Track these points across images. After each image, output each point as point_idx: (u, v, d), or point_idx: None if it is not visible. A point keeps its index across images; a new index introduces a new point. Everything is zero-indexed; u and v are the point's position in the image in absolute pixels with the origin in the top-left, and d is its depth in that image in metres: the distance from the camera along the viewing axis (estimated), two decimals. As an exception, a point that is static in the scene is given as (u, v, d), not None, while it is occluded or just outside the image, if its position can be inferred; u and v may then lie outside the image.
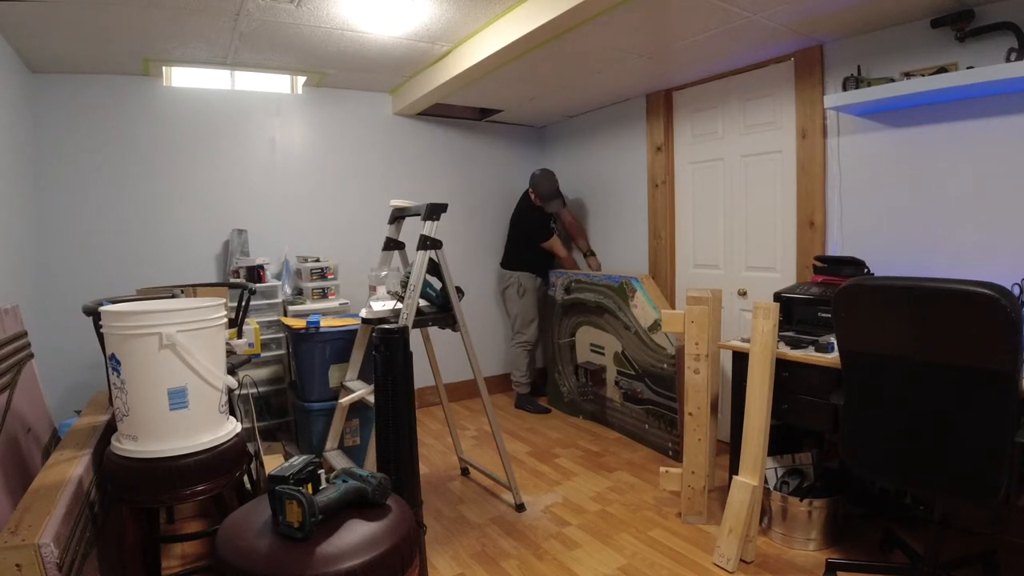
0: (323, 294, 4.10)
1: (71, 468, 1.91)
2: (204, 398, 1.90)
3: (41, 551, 1.43)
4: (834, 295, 2.09)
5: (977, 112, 2.67)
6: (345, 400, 2.99)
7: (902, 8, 2.71)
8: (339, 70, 3.97)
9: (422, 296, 2.93)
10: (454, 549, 2.75)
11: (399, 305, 2.88)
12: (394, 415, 2.01)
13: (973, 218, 2.72)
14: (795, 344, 2.58)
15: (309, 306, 3.95)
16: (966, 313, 1.80)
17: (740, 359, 2.74)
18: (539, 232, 4.78)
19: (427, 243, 2.79)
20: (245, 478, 2.51)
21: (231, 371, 2.41)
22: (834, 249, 3.24)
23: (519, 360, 4.95)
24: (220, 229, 4.07)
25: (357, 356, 3.11)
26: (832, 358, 2.37)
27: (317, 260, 4.14)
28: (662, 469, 3.01)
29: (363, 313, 3.00)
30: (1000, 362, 1.77)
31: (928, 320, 1.88)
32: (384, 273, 3.07)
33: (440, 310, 3.00)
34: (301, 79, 4.27)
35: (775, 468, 2.79)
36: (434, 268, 2.95)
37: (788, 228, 3.47)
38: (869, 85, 2.85)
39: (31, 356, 2.54)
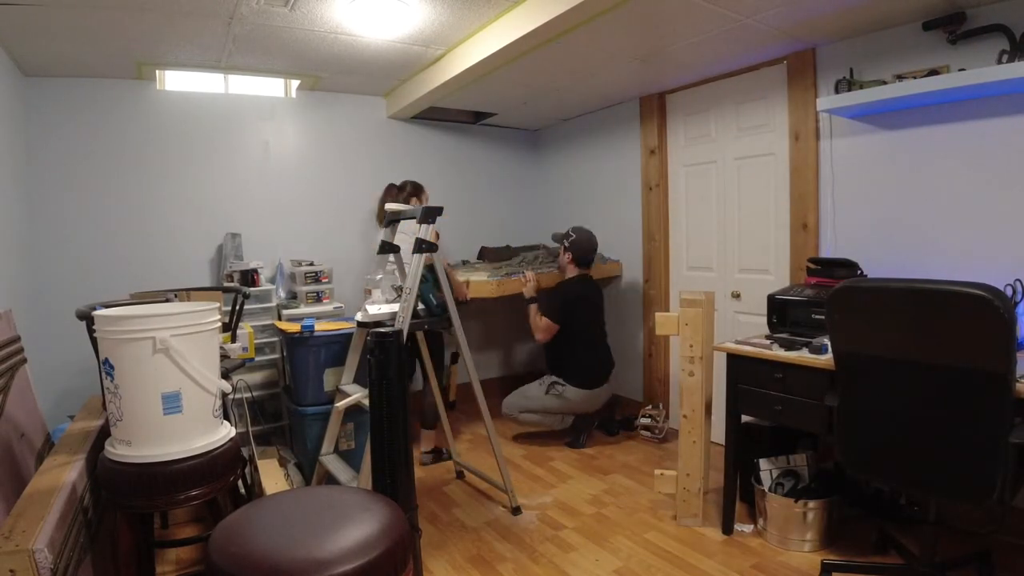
0: (317, 298, 4.09)
1: (65, 473, 1.90)
2: (198, 402, 1.90)
3: (35, 556, 1.42)
4: (828, 297, 2.10)
5: (969, 114, 2.69)
6: (340, 404, 2.99)
7: (894, 11, 2.73)
8: (333, 73, 3.97)
9: (420, 301, 2.93)
10: (449, 553, 2.75)
11: (395, 308, 2.88)
12: (389, 418, 2.01)
13: (966, 219, 2.74)
14: (789, 346, 2.59)
15: (303, 310, 3.94)
16: (959, 314, 1.81)
17: (734, 361, 2.75)
18: None
19: (422, 246, 2.79)
20: (239, 483, 2.51)
21: (225, 375, 2.41)
22: (827, 251, 3.25)
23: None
24: (214, 233, 4.06)
25: (352, 360, 3.11)
26: (826, 360, 2.38)
27: (311, 264, 4.13)
28: (657, 471, 3.01)
29: (358, 316, 2.99)
30: (993, 363, 1.78)
31: (921, 321, 1.89)
32: (379, 276, 3.07)
33: (435, 315, 3.00)
34: (295, 82, 4.27)
35: (770, 470, 2.79)
36: (429, 271, 2.96)
37: (781, 230, 3.48)
38: (861, 88, 2.87)
39: (24, 361, 2.53)
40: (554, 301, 4.04)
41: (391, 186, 4.26)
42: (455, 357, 4.83)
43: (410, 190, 4.09)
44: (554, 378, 4.04)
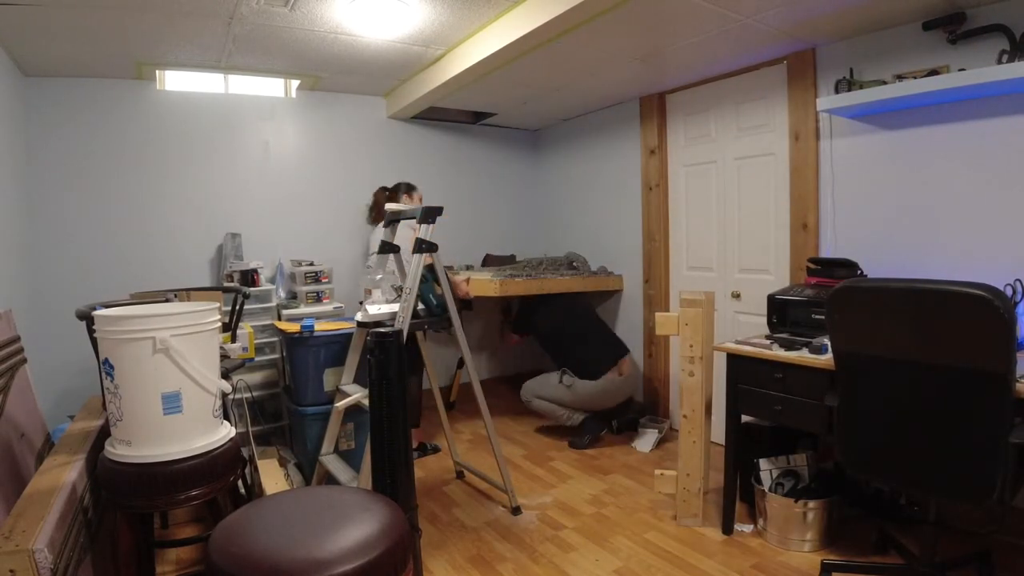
0: (317, 298, 4.09)
1: (65, 473, 1.90)
2: (198, 402, 1.90)
3: (35, 556, 1.42)
4: (828, 297, 2.10)
5: (969, 114, 2.69)
6: (340, 404, 2.99)
7: (894, 11, 2.73)
8: (333, 73, 3.97)
9: (420, 301, 2.93)
10: (449, 553, 2.74)
11: (395, 308, 2.88)
12: (388, 418, 2.01)
13: (965, 219, 2.74)
14: (789, 346, 2.59)
15: (303, 310, 3.94)
16: (959, 314, 1.81)
17: (734, 361, 2.75)
18: None
19: (423, 246, 2.79)
20: (239, 483, 2.51)
21: (225, 375, 2.41)
22: (827, 251, 3.25)
23: None
24: (214, 233, 4.06)
25: (352, 360, 3.11)
26: (826, 360, 2.38)
27: (311, 264, 4.13)
28: (657, 471, 3.01)
29: (358, 316, 2.99)
30: (993, 363, 1.78)
31: (922, 321, 1.89)
32: (379, 276, 3.07)
33: (435, 315, 3.00)
34: (295, 82, 4.27)
35: (770, 470, 2.79)
36: (429, 271, 2.96)
37: (781, 230, 3.48)
38: (861, 88, 2.87)
39: (24, 361, 2.53)
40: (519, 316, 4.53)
41: (383, 189, 4.34)
42: (461, 361, 4.84)
43: (403, 189, 4.20)
44: (564, 368, 4.11)
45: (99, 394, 2.51)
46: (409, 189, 4.23)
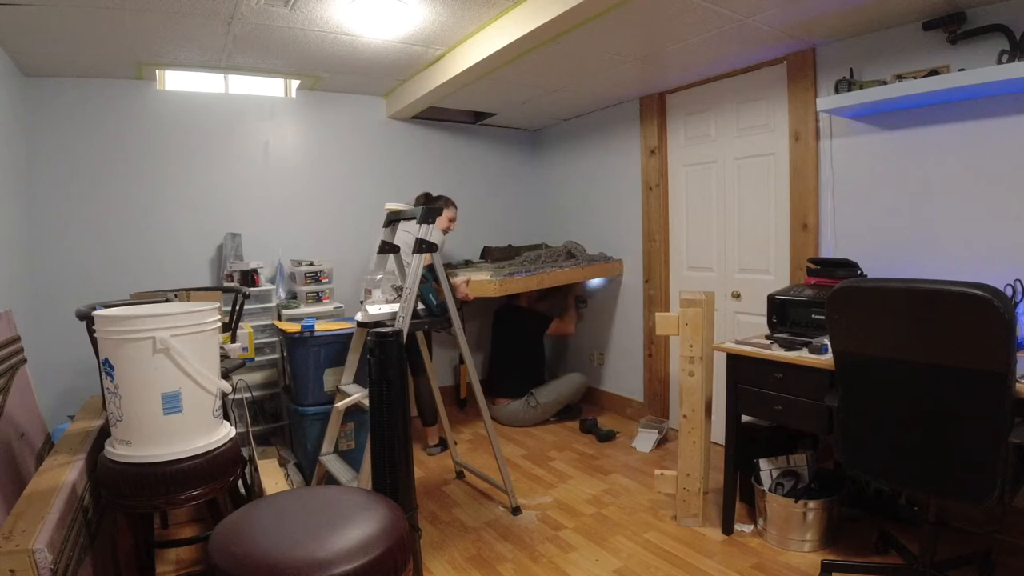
0: (317, 298, 4.09)
1: (65, 473, 1.90)
2: (198, 403, 1.90)
3: (35, 556, 1.42)
4: (828, 297, 2.10)
5: (969, 114, 2.69)
6: (340, 404, 2.99)
7: (894, 11, 2.73)
8: (333, 73, 3.97)
9: (420, 301, 2.93)
10: (449, 553, 2.75)
11: (395, 308, 2.88)
12: (388, 418, 2.01)
13: (966, 219, 2.74)
14: (789, 346, 2.59)
15: (303, 310, 3.94)
16: (959, 314, 1.81)
17: (734, 361, 2.75)
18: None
19: (422, 246, 2.79)
20: (239, 483, 2.51)
21: (225, 375, 2.41)
22: (827, 251, 3.25)
23: None
24: (214, 233, 4.06)
25: (352, 360, 3.11)
26: (826, 360, 2.38)
27: (311, 264, 4.13)
28: (657, 471, 3.01)
29: (358, 316, 2.99)
30: (993, 363, 1.78)
31: (922, 321, 1.89)
32: (379, 276, 3.07)
33: (435, 315, 3.00)
34: (295, 83, 4.27)
35: (770, 470, 2.79)
36: (429, 271, 2.96)
37: (781, 230, 3.48)
38: (861, 88, 2.87)
39: (24, 361, 2.53)
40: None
41: (426, 196, 4.34)
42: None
43: (441, 204, 4.27)
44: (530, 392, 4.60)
45: (99, 394, 2.52)
46: (448, 202, 4.32)
